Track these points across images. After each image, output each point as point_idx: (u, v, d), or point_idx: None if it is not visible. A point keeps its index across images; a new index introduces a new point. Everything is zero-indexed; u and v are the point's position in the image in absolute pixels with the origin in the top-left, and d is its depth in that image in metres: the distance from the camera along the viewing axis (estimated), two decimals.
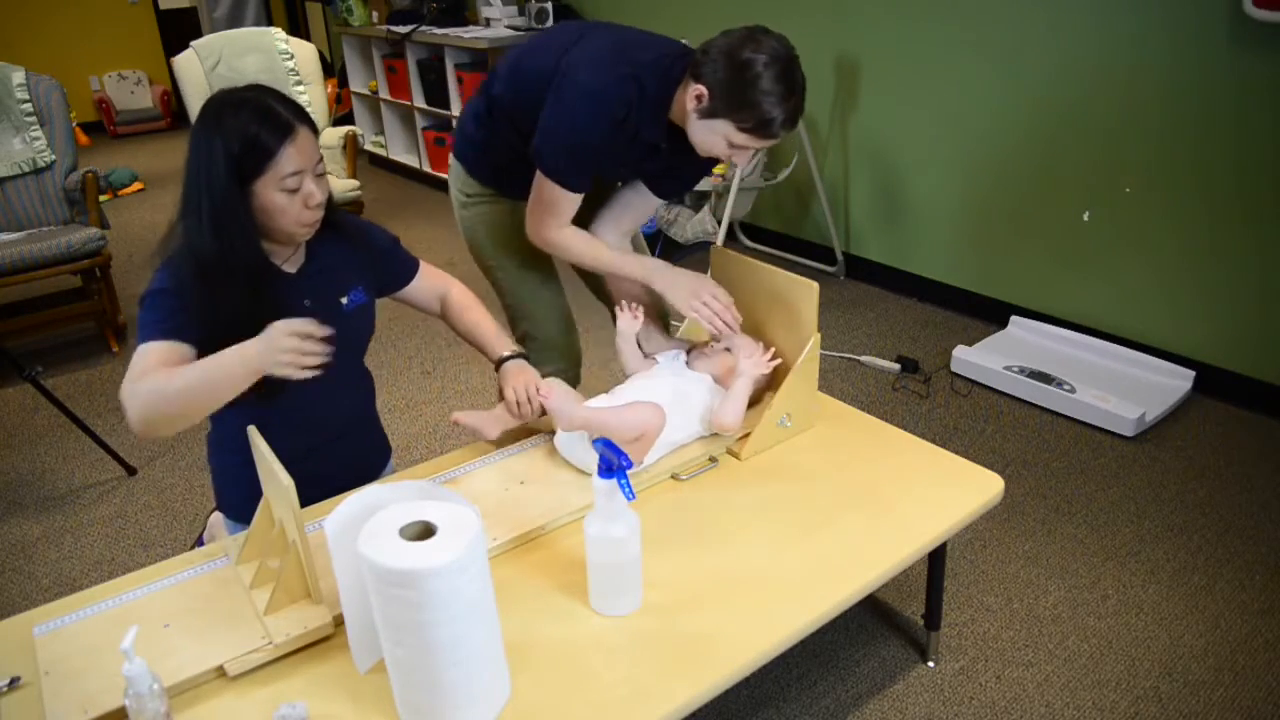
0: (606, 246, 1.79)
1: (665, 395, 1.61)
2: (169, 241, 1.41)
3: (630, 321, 1.74)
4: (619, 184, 1.87)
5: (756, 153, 1.76)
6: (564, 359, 2.05)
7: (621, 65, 1.60)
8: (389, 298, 1.72)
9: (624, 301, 1.77)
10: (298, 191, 1.37)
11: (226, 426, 1.55)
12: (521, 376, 1.62)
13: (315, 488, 1.50)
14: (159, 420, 1.29)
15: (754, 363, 1.67)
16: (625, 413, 1.54)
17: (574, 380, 2.06)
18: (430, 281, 1.73)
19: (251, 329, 1.30)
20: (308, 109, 2.65)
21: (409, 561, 0.98)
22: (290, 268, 1.50)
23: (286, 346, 1.27)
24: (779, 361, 1.72)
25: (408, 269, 1.71)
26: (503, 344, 1.68)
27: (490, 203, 1.93)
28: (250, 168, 1.33)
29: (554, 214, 1.71)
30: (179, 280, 1.37)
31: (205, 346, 1.43)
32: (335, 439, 1.61)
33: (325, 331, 1.30)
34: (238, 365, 1.28)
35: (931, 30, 3.25)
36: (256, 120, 1.33)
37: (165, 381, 1.28)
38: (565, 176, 1.66)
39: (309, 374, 1.29)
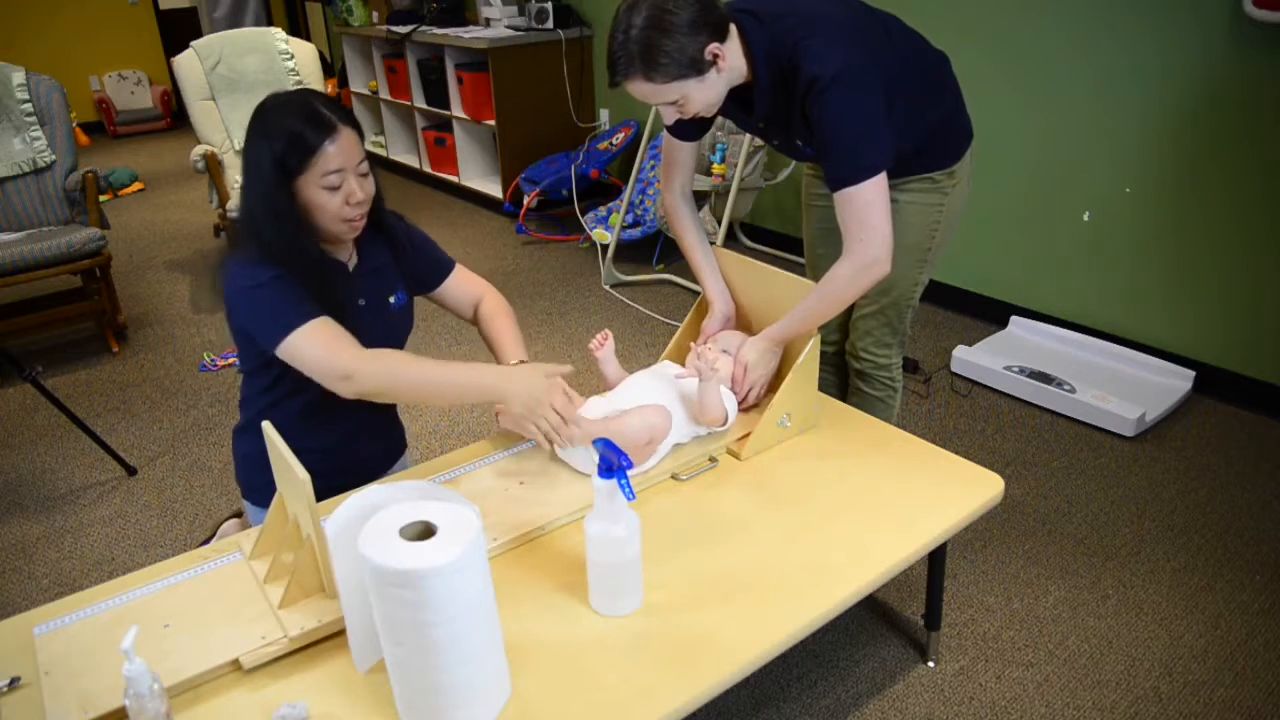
0: None
1: (659, 397, 1.62)
2: (234, 244, 1.45)
3: (599, 349, 1.73)
4: None
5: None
6: None
7: None
8: (425, 297, 1.73)
9: (599, 335, 1.75)
10: (339, 189, 1.40)
11: (265, 415, 1.56)
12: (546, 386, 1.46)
13: (348, 476, 1.55)
14: (387, 396, 1.42)
15: (704, 364, 1.56)
16: (634, 418, 1.54)
17: None
18: (465, 286, 1.74)
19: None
20: None
21: (409, 561, 0.98)
22: (348, 267, 1.54)
23: (549, 418, 1.39)
24: (721, 366, 1.65)
25: (441, 270, 1.72)
26: (515, 354, 1.66)
27: None
28: (294, 164, 1.36)
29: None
30: (257, 275, 1.41)
31: None
32: (363, 432, 1.64)
33: (577, 407, 1.44)
34: (479, 393, 1.39)
35: (929, 32, 3.25)
36: (300, 119, 1.36)
37: (402, 367, 1.39)
38: None
39: (543, 443, 1.41)
